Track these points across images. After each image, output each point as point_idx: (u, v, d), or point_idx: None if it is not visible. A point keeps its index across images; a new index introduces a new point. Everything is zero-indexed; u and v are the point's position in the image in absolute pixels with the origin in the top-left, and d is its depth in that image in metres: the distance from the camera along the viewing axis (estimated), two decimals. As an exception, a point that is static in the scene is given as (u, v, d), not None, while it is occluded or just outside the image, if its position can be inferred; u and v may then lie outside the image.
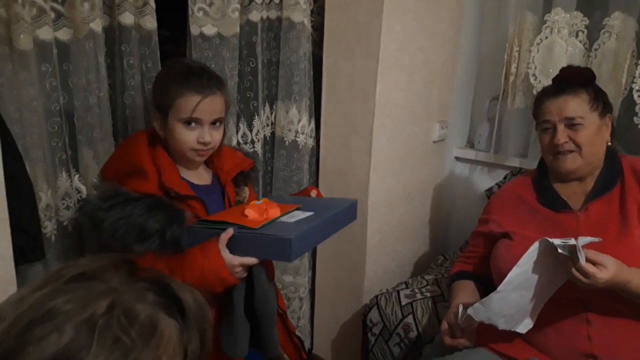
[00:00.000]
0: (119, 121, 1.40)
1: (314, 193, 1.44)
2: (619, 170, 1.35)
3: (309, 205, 1.31)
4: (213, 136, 1.24)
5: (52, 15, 1.20)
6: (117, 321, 0.45)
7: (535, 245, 1.16)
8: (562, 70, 1.39)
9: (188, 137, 1.21)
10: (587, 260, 1.12)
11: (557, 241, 1.13)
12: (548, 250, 1.15)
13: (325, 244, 1.94)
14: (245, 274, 1.19)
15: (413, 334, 1.63)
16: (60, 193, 1.26)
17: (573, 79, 1.36)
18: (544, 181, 1.44)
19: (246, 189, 1.43)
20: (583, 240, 1.13)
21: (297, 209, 1.28)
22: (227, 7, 1.49)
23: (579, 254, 1.11)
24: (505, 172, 2.02)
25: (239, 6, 1.51)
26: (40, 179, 1.20)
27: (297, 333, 1.95)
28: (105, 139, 1.33)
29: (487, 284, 1.45)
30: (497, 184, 2.00)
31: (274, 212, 1.21)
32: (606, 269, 1.12)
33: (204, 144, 1.23)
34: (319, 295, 2.05)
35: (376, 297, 1.75)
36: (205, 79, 1.22)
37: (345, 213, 1.35)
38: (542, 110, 1.39)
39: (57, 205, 1.26)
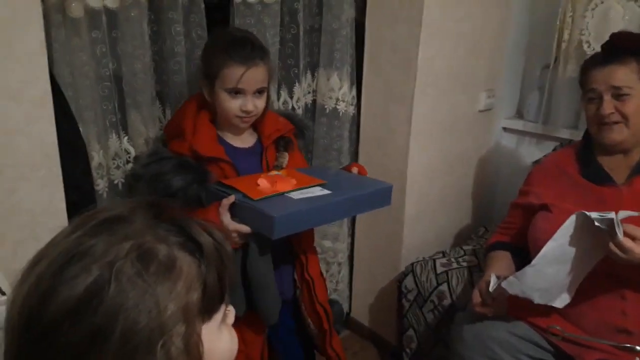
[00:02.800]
0: (166, 87, 1.46)
1: (355, 170, 1.44)
2: None
3: (336, 183, 1.30)
4: (256, 104, 1.31)
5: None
6: (134, 262, 0.49)
7: (572, 218, 1.14)
8: (611, 36, 1.33)
9: (232, 105, 1.29)
10: (626, 234, 1.10)
11: (594, 214, 1.11)
12: (586, 224, 1.13)
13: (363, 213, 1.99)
14: (241, 241, 1.23)
15: (447, 302, 1.65)
16: (111, 153, 1.35)
17: (622, 46, 1.30)
18: (588, 153, 1.39)
19: (285, 154, 1.46)
20: (622, 214, 1.10)
21: (321, 185, 1.27)
22: (269, -26, 1.50)
23: (617, 228, 1.09)
24: (555, 144, 1.95)
25: (280, -28, 1.52)
26: (93, 140, 1.29)
27: (334, 297, 2.01)
28: (151, 103, 1.39)
29: (523, 256, 1.44)
30: (545, 155, 1.95)
31: (285, 185, 1.23)
32: None
33: (247, 112, 1.30)
34: (358, 261, 2.09)
35: (412, 264, 1.78)
36: (249, 50, 1.28)
37: (373, 196, 1.32)
38: (588, 79, 1.34)
39: (109, 164, 1.35)
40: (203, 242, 0.54)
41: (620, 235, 1.09)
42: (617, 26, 1.75)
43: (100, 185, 1.32)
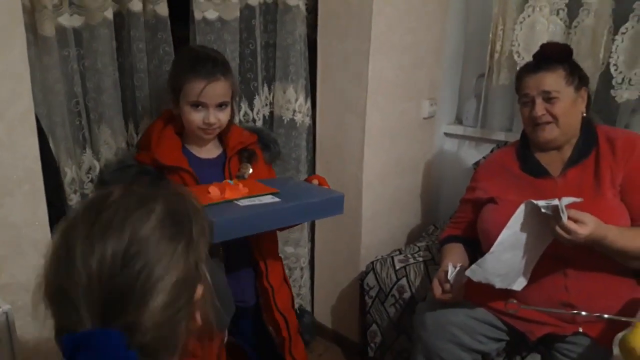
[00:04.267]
0: (128, 101, 1.50)
1: (315, 181, 1.51)
2: (594, 139, 1.47)
3: (291, 193, 1.35)
4: (219, 117, 1.38)
5: (69, 3, 1.29)
6: (169, 212, 0.65)
7: (522, 207, 1.27)
8: (541, 46, 1.50)
9: (195, 117, 1.36)
10: (569, 218, 1.23)
11: (541, 202, 1.25)
12: (534, 212, 1.27)
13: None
14: None
15: (407, 295, 1.77)
16: (85, 167, 1.38)
17: (551, 55, 1.47)
18: (526, 150, 1.56)
19: (248, 166, 1.52)
20: (566, 200, 1.24)
21: (273, 193, 1.33)
22: (228, -7, 1.58)
23: (561, 213, 1.22)
24: (492, 146, 2.13)
25: (239, -9, 1.60)
26: (64, 156, 1.30)
27: (298, 302, 2.08)
28: (118, 118, 1.43)
29: (474, 247, 1.58)
30: (484, 157, 2.12)
31: (234, 193, 1.28)
32: (586, 226, 1.23)
33: (209, 124, 1.37)
34: (319, 264, 2.18)
35: (372, 262, 1.88)
36: (210, 66, 1.35)
37: (323, 205, 1.37)
38: (522, 85, 1.51)
39: (82, 178, 1.37)
40: (199, 205, 0.74)
41: (564, 218, 1.23)
42: (543, 37, 1.95)
43: (74, 199, 1.33)
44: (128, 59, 1.46)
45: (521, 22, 1.98)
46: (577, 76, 1.47)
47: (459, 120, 2.38)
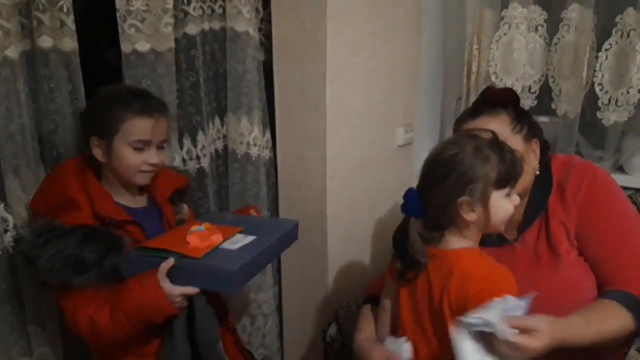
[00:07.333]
0: (46, 147, 1.36)
1: (253, 212, 1.43)
2: (547, 192, 1.24)
3: (250, 227, 1.31)
4: (160, 158, 1.29)
5: (-37, 42, 1.17)
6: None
7: (455, 337, 0.94)
8: (483, 91, 1.30)
9: (136, 159, 1.24)
10: (514, 327, 0.91)
11: (471, 319, 0.92)
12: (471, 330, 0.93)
13: (287, 258, 1.92)
14: (186, 303, 1.19)
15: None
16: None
17: (492, 100, 1.25)
18: None
19: (185, 207, 1.43)
20: (505, 305, 0.91)
21: (240, 231, 1.28)
22: (160, 22, 1.44)
23: (497, 328, 0.89)
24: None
25: (171, 20, 1.46)
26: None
27: (261, 351, 1.92)
28: (31, 167, 1.29)
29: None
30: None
31: (216, 238, 1.21)
32: (538, 334, 0.92)
33: (153, 165, 1.26)
34: (286, 310, 2.00)
35: (336, 311, 1.70)
36: (151, 101, 1.26)
37: (287, 236, 1.37)
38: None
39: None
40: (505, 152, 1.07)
41: (500, 331, 0.89)
42: (522, 56, 1.78)
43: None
44: (42, 100, 1.33)
45: (497, 41, 1.81)
46: (525, 123, 1.24)
47: (441, 146, 2.20)
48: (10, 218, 1.27)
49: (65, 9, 1.29)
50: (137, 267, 1.17)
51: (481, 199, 1.05)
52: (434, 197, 1.08)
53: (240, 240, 1.24)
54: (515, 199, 1.08)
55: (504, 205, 1.06)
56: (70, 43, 1.31)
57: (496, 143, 1.08)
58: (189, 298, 1.18)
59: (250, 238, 1.25)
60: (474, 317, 0.92)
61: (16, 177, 1.27)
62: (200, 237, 1.20)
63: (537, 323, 0.93)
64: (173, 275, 1.14)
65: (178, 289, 1.14)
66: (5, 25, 1.19)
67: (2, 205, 1.27)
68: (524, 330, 0.91)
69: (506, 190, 1.07)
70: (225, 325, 1.45)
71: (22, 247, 1.19)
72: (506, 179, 1.06)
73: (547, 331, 0.93)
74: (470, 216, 1.06)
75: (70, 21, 1.30)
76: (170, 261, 1.13)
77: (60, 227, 1.16)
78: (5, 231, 1.27)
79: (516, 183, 1.08)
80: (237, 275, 1.13)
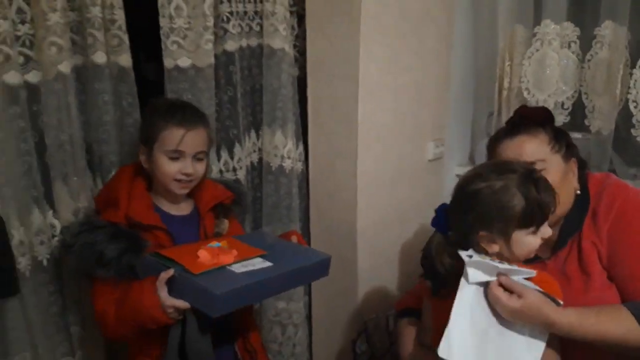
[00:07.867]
0: (95, 156, 1.44)
1: (294, 239, 1.43)
2: (584, 212, 1.23)
3: (276, 253, 1.27)
4: (196, 168, 1.32)
5: (21, 59, 1.25)
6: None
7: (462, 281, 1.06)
8: (517, 110, 1.30)
9: (171, 168, 1.29)
10: (504, 285, 1.03)
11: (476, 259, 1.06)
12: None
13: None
14: (179, 317, 1.19)
15: (401, 363, 1.58)
16: (34, 229, 1.29)
17: (529, 118, 1.24)
18: None
19: (225, 222, 1.45)
20: (518, 272, 1.04)
21: (262, 255, 1.24)
22: (200, 39, 1.51)
23: (494, 276, 1.04)
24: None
25: (212, 37, 1.52)
26: (13, 217, 1.24)
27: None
28: (79, 175, 1.36)
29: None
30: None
31: (227, 258, 1.20)
32: (518, 300, 1.00)
33: (187, 175, 1.31)
34: (316, 321, 2.02)
35: (365, 323, 1.72)
36: (188, 113, 1.32)
37: (312, 269, 1.32)
38: (495, 156, 1.27)
39: (31, 241, 1.29)
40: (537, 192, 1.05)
41: (492, 281, 1.03)
42: (555, 72, 1.79)
43: (22, 263, 1.26)
44: (94, 112, 1.41)
45: (529, 57, 1.82)
46: (564, 142, 1.23)
47: (472, 161, 2.21)
48: (57, 224, 1.35)
49: (122, 28, 1.38)
50: (148, 270, 1.20)
51: (503, 236, 1.05)
52: (457, 224, 1.11)
53: (252, 265, 1.20)
54: (546, 231, 1.07)
55: (527, 241, 1.06)
56: (127, 59, 1.40)
57: (530, 179, 1.05)
58: (184, 314, 1.18)
59: (266, 264, 1.21)
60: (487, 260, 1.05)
61: (64, 184, 1.34)
62: (211, 253, 1.19)
63: (523, 290, 1.01)
64: (171, 286, 1.15)
65: (171, 300, 1.14)
66: (58, 42, 1.27)
67: (51, 212, 1.34)
68: (511, 292, 1.02)
69: (531, 229, 1.05)
70: (244, 350, 1.40)
71: (63, 234, 1.31)
72: (531, 220, 1.04)
73: (532, 301, 1.00)
74: (492, 248, 1.07)
75: (126, 38, 1.39)
76: (170, 272, 1.15)
77: (96, 222, 1.26)
78: (53, 236, 1.34)
79: (544, 222, 1.06)
80: (219, 299, 1.08)
